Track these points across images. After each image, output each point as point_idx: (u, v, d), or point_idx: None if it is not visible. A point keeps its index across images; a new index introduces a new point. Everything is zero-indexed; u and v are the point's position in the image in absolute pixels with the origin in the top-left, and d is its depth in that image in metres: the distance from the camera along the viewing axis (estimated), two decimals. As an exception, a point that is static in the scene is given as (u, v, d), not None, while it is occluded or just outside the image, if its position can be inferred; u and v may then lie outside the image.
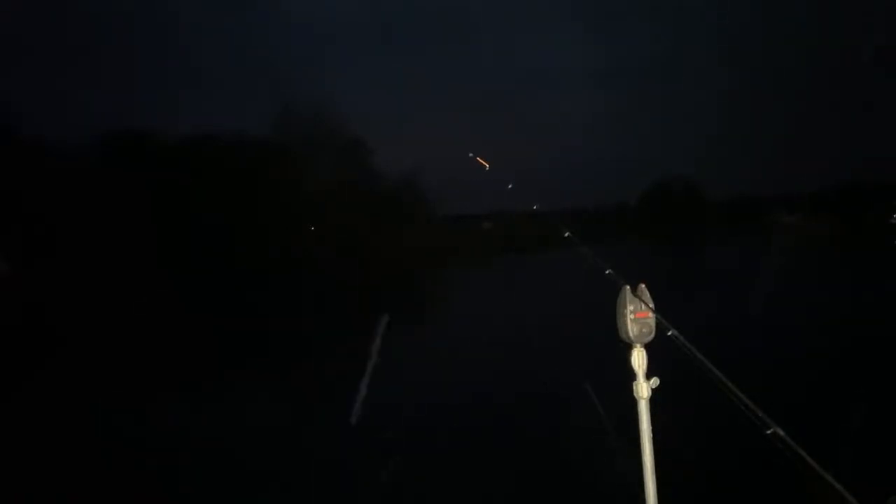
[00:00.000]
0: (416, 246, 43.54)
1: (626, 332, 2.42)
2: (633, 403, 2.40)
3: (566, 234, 3.46)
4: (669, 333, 2.30)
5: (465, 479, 8.19)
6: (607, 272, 2.69)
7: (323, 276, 33.62)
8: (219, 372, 15.64)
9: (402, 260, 40.16)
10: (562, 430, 9.56)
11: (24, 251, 26.76)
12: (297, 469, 8.87)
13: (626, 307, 2.42)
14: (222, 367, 16.27)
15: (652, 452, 2.37)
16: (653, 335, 2.41)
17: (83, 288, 24.00)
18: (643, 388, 2.38)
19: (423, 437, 9.84)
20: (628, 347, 2.43)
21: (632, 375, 2.40)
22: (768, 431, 1.75)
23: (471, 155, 4.23)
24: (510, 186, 3.91)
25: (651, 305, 2.41)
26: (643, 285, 2.47)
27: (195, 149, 43.87)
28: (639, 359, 2.40)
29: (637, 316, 2.40)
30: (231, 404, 12.39)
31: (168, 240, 33.64)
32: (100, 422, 11.21)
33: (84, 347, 16.73)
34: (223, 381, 14.52)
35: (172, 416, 11.73)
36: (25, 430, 10.72)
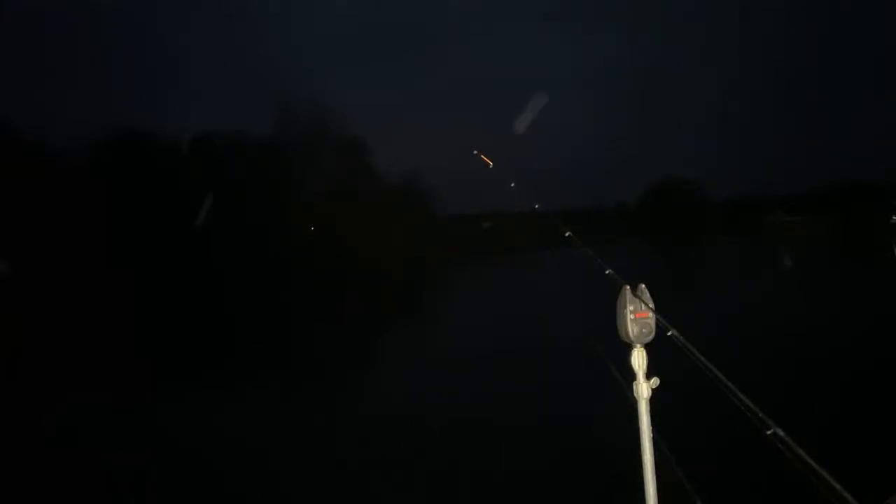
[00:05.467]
0: (416, 245, 43.55)
1: (626, 332, 2.41)
2: (634, 403, 2.39)
3: (566, 234, 3.46)
4: (669, 334, 2.29)
5: (466, 472, 8.19)
6: (607, 272, 2.69)
7: (323, 276, 33.60)
8: (219, 371, 15.64)
9: (402, 259, 40.16)
10: (563, 423, 9.57)
11: (24, 250, 26.72)
12: (302, 466, 8.87)
13: (626, 307, 2.41)
14: (223, 366, 16.26)
15: (652, 452, 2.36)
16: (653, 335, 2.40)
17: (82, 287, 23.97)
18: (643, 389, 2.37)
19: (424, 432, 9.85)
20: (628, 347, 2.42)
21: (632, 375, 2.39)
22: (768, 431, 1.74)
23: (475, 152, 4.19)
24: (512, 185, 3.88)
25: (651, 305, 2.40)
26: (643, 285, 2.46)
27: (194, 148, 43.84)
28: (639, 359, 2.40)
29: (637, 316, 2.39)
30: (234, 403, 12.39)
31: (167, 239, 33.62)
32: (103, 419, 11.21)
33: (82, 346, 16.72)
34: (224, 380, 14.51)
35: (178, 413, 11.74)
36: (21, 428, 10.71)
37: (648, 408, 2.37)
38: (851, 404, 9.46)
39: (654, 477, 2.37)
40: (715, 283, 30.62)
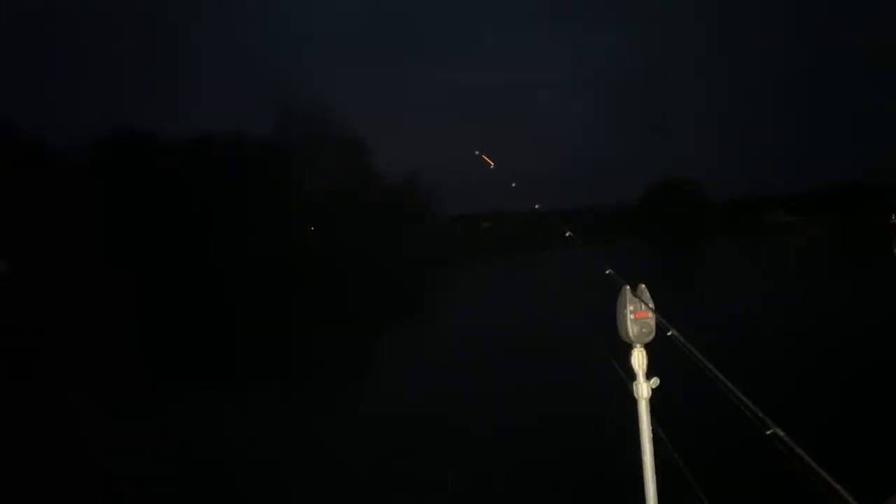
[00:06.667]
0: (416, 245, 43.52)
1: (626, 332, 2.41)
2: (634, 403, 2.39)
3: (566, 234, 3.46)
4: (669, 333, 2.29)
5: (467, 472, 8.19)
6: (607, 272, 2.69)
7: (323, 276, 33.59)
8: (219, 371, 15.63)
9: (402, 259, 40.15)
10: (563, 423, 9.57)
11: (25, 250, 26.71)
12: (302, 466, 8.87)
13: (626, 307, 2.41)
14: (223, 365, 16.26)
15: (652, 452, 2.36)
16: (653, 335, 2.40)
17: (82, 287, 23.97)
18: (643, 389, 2.37)
19: (424, 432, 9.85)
20: (628, 347, 2.42)
21: (632, 375, 2.39)
22: (768, 431, 1.74)
23: (476, 153, 4.19)
24: (514, 185, 3.89)
25: (651, 305, 2.40)
26: (643, 285, 2.46)
27: (194, 149, 43.83)
28: (639, 359, 2.39)
29: (637, 316, 2.39)
30: (234, 404, 12.39)
31: (167, 240, 33.62)
32: (104, 419, 11.21)
33: (83, 347, 16.72)
34: (224, 380, 14.51)
35: (178, 414, 11.74)
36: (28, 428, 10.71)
37: (648, 408, 2.37)
38: (851, 404, 9.46)
39: (654, 477, 2.37)
40: (715, 283, 30.60)
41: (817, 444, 1.67)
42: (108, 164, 38.66)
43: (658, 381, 2.37)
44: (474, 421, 10.35)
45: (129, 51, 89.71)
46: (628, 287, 2.45)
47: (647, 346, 2.41)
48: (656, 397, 2.36)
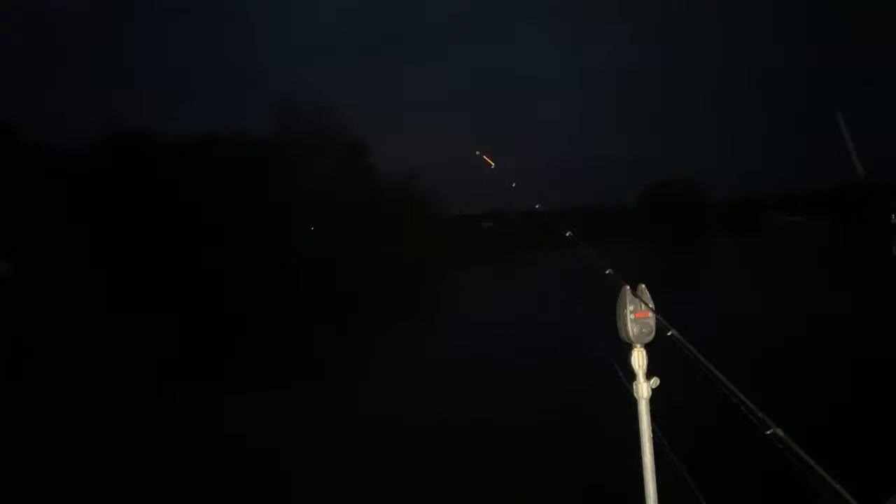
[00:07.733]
0: (416, 245, 43.54)
1: (626, 332, 2.41)
2: (634, 403, 2.40)
3: (567, 234, 3.47)
4: (669, 334, 2.29)
5: (466, 472, 8.19)
6: (607, 272, 2.69)
7: (323, 276, 33.60)
8: (219, 371, 15.63)
9: (402, 259, 40.17)
10: (562, 424, 9.57)
11: (25, 250, 26.70)
12: (301, 466, 8.87)
13: (626, 307, 2.41)
14: (223, 366, 16.26)
15: (652, 452, 2.36)
16: (653, 335, 2.40)
17: (81, 287, 23.97)
18: (643, 389, 2.37)
19: (424, 432, 9.86)
20: (628, 347, 2.42)
21: (632, 376, 2.39)
22: (768, 431, 1.74)
23: (477, 153, 4.22)
24: (513, 185, 3.91)
25: (651, 305, 2.40)
26: (643, 285, 2.47)
27: (194, 149, 43.86)
28: (639, 359, 2.40)
29: (637, 316, 2.39)
30: (234, 404, 12.39)
31: (167, 240, 33.62)
32: (104, 419, 11.21)
33: (83, 347, 16.71)
34: (224, 380, 14.51)
35: (178, 413, 11.74)
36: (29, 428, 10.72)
37: (648, 408, 2.37)
38: (851, 404, 9.46)
39: (654, 477, 2.37)
40: (715, 283, 30.61)
41: (817, 444, 1.67)
42: (108, 164, 38.69)
43: (658, 381, 2.38)
44: (474, 421, 10.34)
45: (129, 51, 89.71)
46: (628, 287, 2.45)
47: (647, 346, 2.41)
48: (656, 397, 2.36)
